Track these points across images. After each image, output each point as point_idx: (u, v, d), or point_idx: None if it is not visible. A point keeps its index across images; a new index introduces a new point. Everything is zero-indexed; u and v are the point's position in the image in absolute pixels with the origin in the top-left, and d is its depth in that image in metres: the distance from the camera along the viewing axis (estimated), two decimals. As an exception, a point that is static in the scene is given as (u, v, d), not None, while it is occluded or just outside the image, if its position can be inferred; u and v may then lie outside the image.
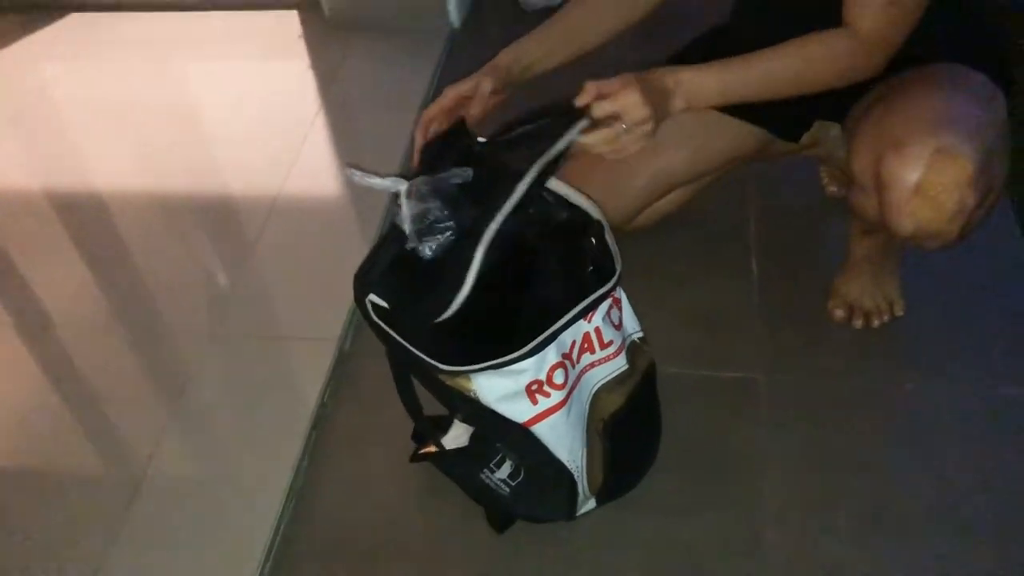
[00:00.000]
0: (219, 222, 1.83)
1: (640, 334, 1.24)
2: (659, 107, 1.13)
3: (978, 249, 1.57)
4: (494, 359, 1.05)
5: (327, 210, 1.83)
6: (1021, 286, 1.55)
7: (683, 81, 1.16)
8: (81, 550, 1.28)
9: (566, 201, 1.14)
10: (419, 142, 1.22)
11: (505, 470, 1.20)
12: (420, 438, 1.33)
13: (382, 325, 1.10)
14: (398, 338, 1.09)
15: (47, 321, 1.65)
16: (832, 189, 1.72)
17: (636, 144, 1.12)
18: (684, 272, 1.60)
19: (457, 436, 1.24)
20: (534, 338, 1.06)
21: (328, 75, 2.20)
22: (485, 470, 1.21)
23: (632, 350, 1.22)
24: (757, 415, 1.39)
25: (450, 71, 2.16)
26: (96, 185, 1.94)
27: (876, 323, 1.49)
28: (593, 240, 1.12)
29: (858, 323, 1.49)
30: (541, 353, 1.06)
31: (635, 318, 1.23)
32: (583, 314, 1.10)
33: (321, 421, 1.44)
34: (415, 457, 1.32)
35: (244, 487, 1.35)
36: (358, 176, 1.04)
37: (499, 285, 1.04)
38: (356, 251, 1.06)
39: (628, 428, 1.21)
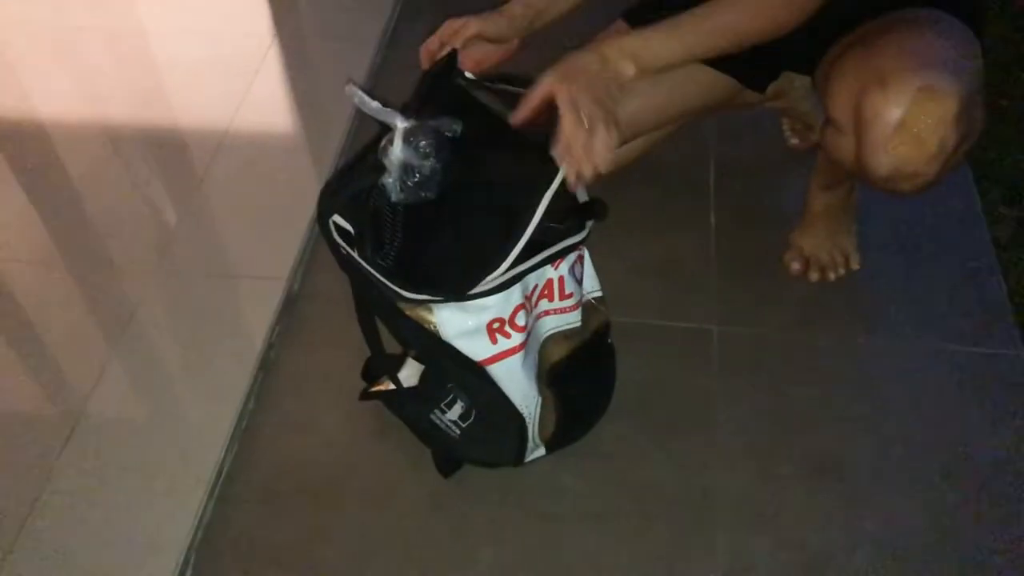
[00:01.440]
0: (166, 154, 1.77)
1: (598, 293, 1.23)
2: (603, 84, 1.07)
3: (934, 205, 1.59)
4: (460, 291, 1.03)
5: (279, 146, 1.77)
6: (976, 243, 1.55)
7: (625, 47, 1.10)
8: (14, 491, 1.25)
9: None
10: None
11: (456, 411, 1.18)
12: (370, 376, 1.31)
13: (343, 246, 1.07)
14: (360, 262, 1.06)
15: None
16: (794, 141, 1.71)
17: (604, 130, 1.05)
18: (641, 222, 1.59)
19: (408, 376, 1.22)
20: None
21: (283, 5, 2.12)
22: (436, 410, 1.19)
23: (587, 309, 1.21)
24: (710, 366, 1.38)
25: (409, 6, 2.10)
26: (36, 112, 1.86)
27: (832, 276, 1.49)
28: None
29: (814, 276, 1.49)
30: (507, 291, 1.05)
31: (595, 277, 1.22)
32: (552, 259, 1.08)
33: (268, 362, 1.41)
34: (365, 395, 1.30)
35: (187, 428, 1.32)
36: (359, 98, 1.01)
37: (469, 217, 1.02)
38: (308, 190, 1.04)
39: (570, 380, 1.21)
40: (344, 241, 1.07)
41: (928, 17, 1.16)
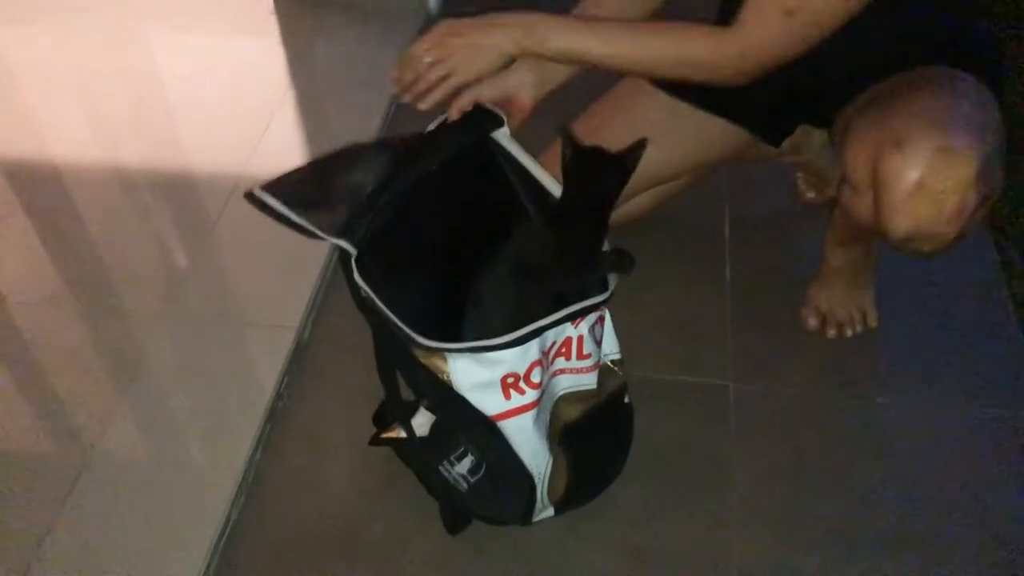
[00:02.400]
0: (179, 199, 1.77)
1: (617, 356, 1.22)
2: (476, 45, 1.12)
3: (951, 263, 1.56)
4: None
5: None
6: (994, 301, 1.53)
7: (528, 20, 1.12)
8: (18, 535, 1.23)
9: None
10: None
11: (465, 464, 1.16)
12: (383, 421, 1.29)
13: (364, 287, 1.06)
14: (380, 304, 1.05)
15: (-5, 294, 1.59)
16: (809, 196, 1.70)
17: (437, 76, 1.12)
18: (657, 275, 1.57)
19: (419, 425, 1.20)
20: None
21: (299, 53, 2.14)
22: (445, 462, 1.17)
23: (604, 371, 1.19)
24: (726, 423, 1.36)
25: (425, 55, 2.11)
26: (52, 154, 1.87)
27: (849, 333, 1.47)
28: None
29: (831, 333, 1.47)
30: (525, 346, 1.03)
31: (615, 339, 1.21)
32: (572, 317, 1.07)
33: (276, 411, 1.39)
34: (376, 440, 1.28)
35: (193, 477, 1.30)
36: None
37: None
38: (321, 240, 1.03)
39: (584, 441, 1.19)
40: (365, 282, 1.06)
41: (946, 76, 1.15)
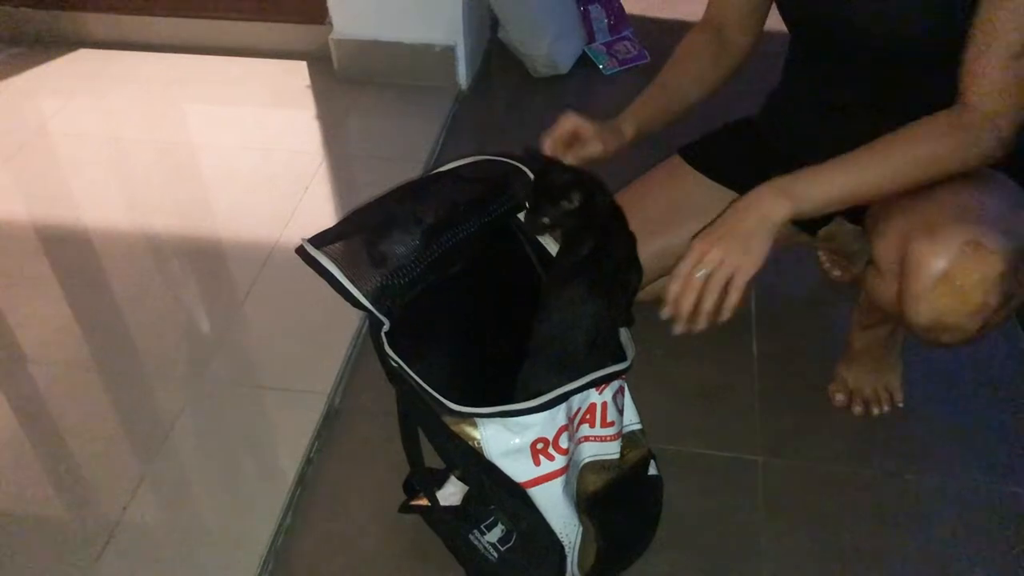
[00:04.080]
0: (213, 268, 1.80)
1: (638, 426, 1.22)
2: (742, 239, 1.09)
3: (980, 344, 1.57)
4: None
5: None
6: (1018, 381, 1.53)
7: (784, 186, 1.10)
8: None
9: None
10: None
11: (496, 534, 1.16)
12: (412, 489, 1.29)
13: (393, 357, 1.07)
14: (410, 373, 1.06)
15: (24, 358, 1.61)
16: (835, 274, 1.71)
17: (713, 294, 1.10)
18: (684, 350, 1.58)
19: (451, 494, 1.20)
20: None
21: (333, 127, 2.19)
22: (475, 531, 1.17)
23: (628, 441, 1.20)
24: (755, 498, 1.35)
25: (456, 131, 2.16)
26: (87, 222, 1.91)
27: (876, 412, 1.47)
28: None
29: (858, 410, 1.47)
30: (553, 411, 1.04)
31: (635, 410, 1.22)
32: (596, 384, 1.08)
33: (306, 477, 1.39)
34: (405, 508, 1.28)
35: (223, 544, 1.30)
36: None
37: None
38: (353, 308, 1.04)
39: (610, 511, 1.18)
40: (395, 353, 1.07)
41: (980, 172, 1.16)
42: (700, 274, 1.09)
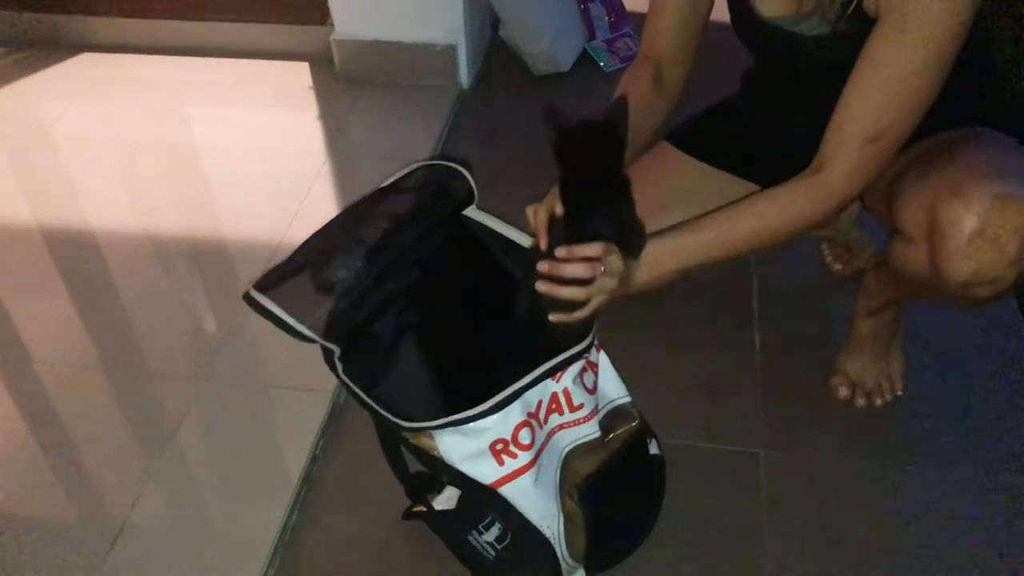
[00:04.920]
0: (218, 269, 1.81)
1: (626, 399, 1.22)
2: (625, 276, 1.12)
3: (979, 331, 1.57)
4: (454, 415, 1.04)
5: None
6: (1020, 367, 1.54)
7: (649, 251, 1.15)
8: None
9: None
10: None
11: (492, 533, 1.17)
12: (415, 494, 1.30)
13: (347, 382, 1.09)
14: (363, 396, 1.08)
15: (31, 359, 1.62)
16: (837, 267, 1.72)
17: (597, 297, 1.08)
18: (686, 343, 1.59)
19: (447, 499, 1.21)
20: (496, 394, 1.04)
21: (336, 127, 2.20)
22: (473, 532, 1.18)
23: (614, 415, 1.20)
24: (757, 491, 1.36)
25: (458, 129, 2.17)
26: (92, 224, 1.92)
27: (879, 402, 1.48)
28: None
29: (860, 402, 1.48)
30: (504, 411, 1.05)
31: (620, 383, 1.22)
32: (550, 374, 1.08)
33: (312, 474, 1.40)
34: (408, 515, 1.29)
35: (229, 542, 1.31)
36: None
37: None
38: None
39: (605, 493, 1.18)
40: (353, 374, 1.09)
41: (984, 133, 1.19)
42: (599, 271, 1.07)
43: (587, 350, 1.11)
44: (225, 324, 1.67)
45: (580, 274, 1.05)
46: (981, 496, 1.35)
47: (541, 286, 1.06)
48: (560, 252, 1.05)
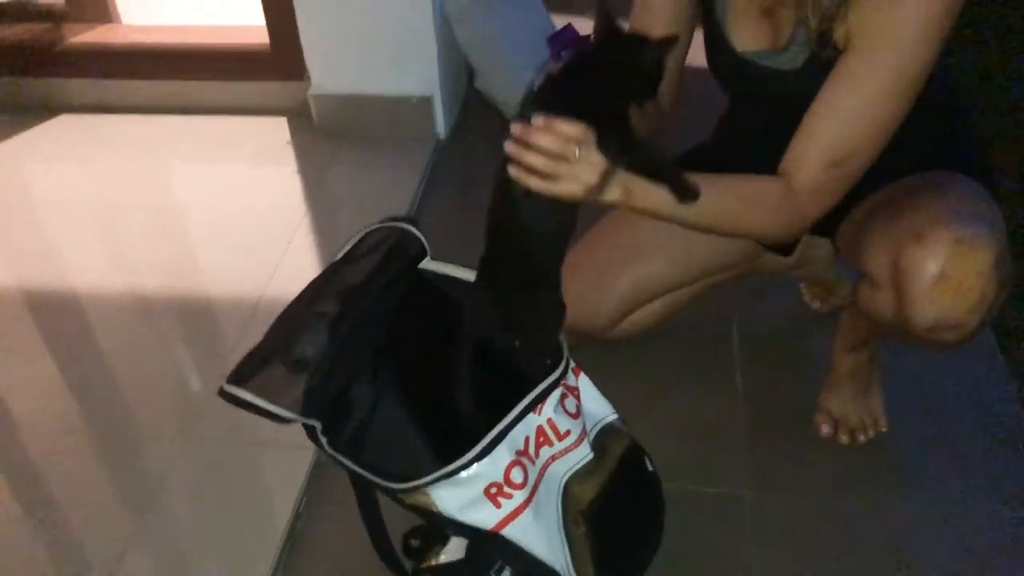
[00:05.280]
0: (198, 326, 1.81)
1: (613, 416, 1.22)
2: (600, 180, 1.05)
3: (958, 365, 1.58)
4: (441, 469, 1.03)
5: (309, 315, 1.81)
6: (1003, 402, 1.55)
7: (629, 176, 1.08)
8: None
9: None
10: None
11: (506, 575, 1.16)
12: (417, 554, 1.29)
13: (333, 453, 1.09)
14: (352, 466, 1.08)
15: (15, 424, 1.61)
16: (815, 305, 1.73)
17: (567, 183, 1.01)
18: (669, 384, 1.60)
19: (458, 548, 1.19)
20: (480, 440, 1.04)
21: (315, 181, 2.22)
22: None
23: (604, 434, 1.19)
24: (743, 533, 1.36)
25: (436, 180, 2.19)
26: (73, 285, 1.92)
27: (862, 439, 1.48)
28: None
29: (844, 439, 1.48)
30: (491, 455, 1.04)
31: (604, 402, 1.21)
32: (530, 408, 1.08)
33: (296, 531, 1.39)
34: (418, 573, 1.27)
35: (213, 601, 1.30)
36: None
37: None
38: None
39: (610, 516, 1.17)
40: (339, 445, 1.09)
41: (948, 177, 1.21)
42: (573, 153, 0.99)
43: (563, 377, 1.11)
44: (208, 383, 1.67)
45: (551, 148, 0.98)
46: (966, 528, 1.35)
47: (509, 147, 1.00)
48: (537, 120, 0.99)
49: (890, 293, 1.15)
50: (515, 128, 1.00)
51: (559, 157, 0.99)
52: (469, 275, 1.18)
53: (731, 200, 1.16)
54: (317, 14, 2.19)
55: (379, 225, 1.20)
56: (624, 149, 1.04)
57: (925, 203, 1.14)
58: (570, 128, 0.98)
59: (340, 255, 1.17)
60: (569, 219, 1.07)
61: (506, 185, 1.03)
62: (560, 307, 1.12)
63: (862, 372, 1.46)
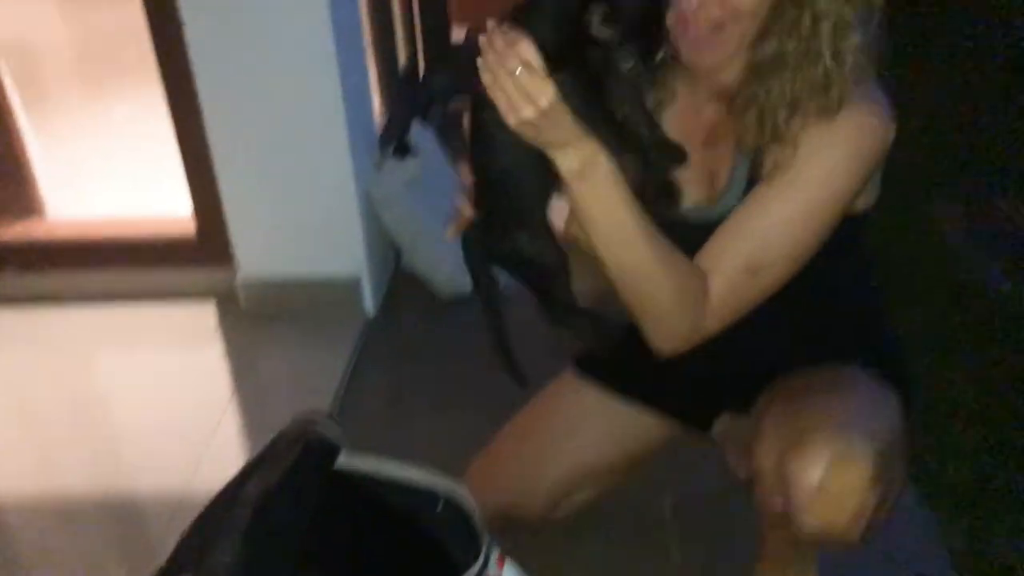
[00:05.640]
0: (121, 524, 1.76)
1: None
2: (553, 128, 1.03)
3: (893, 532, 1.59)
4: None
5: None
6: (936, 563, 1.56)
7: (598, 154, 1.05)
8: None
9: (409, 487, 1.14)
10: None
11: None
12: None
13: None
14: None
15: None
16: (742, 474, 1.73)
17: (515, 103, 1.00)
18: (605, 564, 1.57)
19: None
20: None
21: (243, 365, 2.21)
22: None
23: None
24: None
25: (366, 359, 2.19)
26: (-6, 487, 1.86)
27: (800, 613, 1.46)
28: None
29: (781, 613, 1.46)
30: None
31: None
32: None
33: None
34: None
35: None
36: None
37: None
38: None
39: None
40: None
41: (850, 377, 1.23)
42: (513, 69, 0.98)
43: (483, 570, 1.08)
44: (130, 582, 1.60)
45: (486, 53, 1.00)
46: None
47: (482, 41, 1.01)
48: (499, 29, 1.00)
49: (777, 495, 1.15)
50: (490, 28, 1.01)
51: (500, 66, 0.99)
52: (391, 469, 1.17)
53: (663, 260, 1.12)
54: (244, 202, 2.25)
55: (292, 423, 1.19)
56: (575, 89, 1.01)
57: (814, 406, 1.16)
58: (523, 47, 0.98)
59: (255, 456, 1.16)
60: (536, 157, 1.06)
61: (477, 106, 1.06)
62: (548, 250, 1.13)
63: (790, 546, 1.44)
